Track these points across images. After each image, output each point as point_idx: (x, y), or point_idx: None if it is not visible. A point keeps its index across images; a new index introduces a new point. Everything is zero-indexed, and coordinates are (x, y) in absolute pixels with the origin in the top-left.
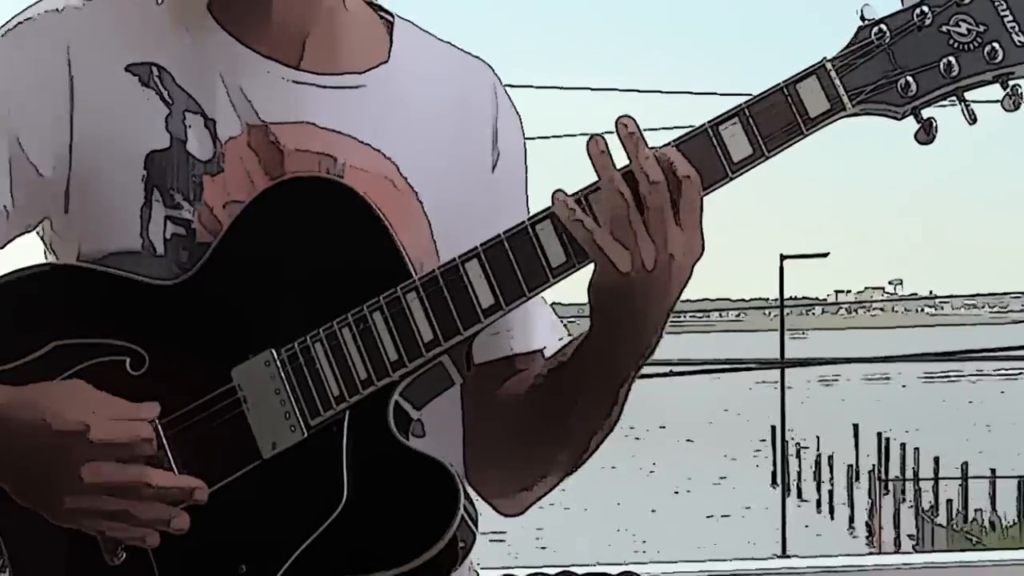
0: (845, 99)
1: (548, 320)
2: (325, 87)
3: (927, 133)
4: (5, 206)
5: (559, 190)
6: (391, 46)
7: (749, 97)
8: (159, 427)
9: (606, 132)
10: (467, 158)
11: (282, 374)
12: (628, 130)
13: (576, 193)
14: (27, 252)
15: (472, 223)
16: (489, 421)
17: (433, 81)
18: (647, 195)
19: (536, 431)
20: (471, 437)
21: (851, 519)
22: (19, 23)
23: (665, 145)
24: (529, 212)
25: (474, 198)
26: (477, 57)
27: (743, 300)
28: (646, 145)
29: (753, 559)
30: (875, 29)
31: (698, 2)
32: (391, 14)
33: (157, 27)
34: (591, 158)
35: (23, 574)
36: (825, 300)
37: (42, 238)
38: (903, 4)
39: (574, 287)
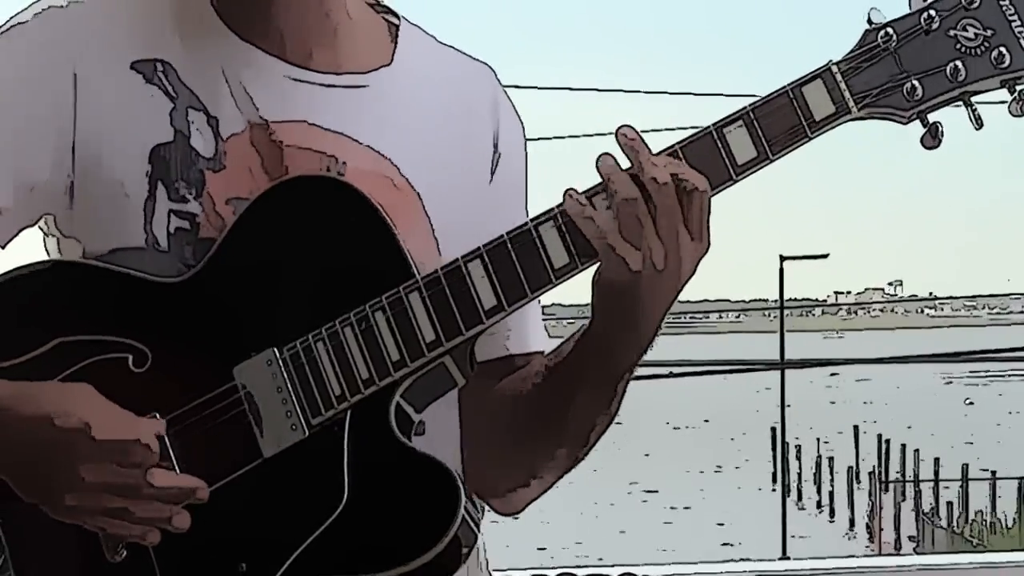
0: (850, 103)
1: (541, 324)
2: (327, 86)
3: (933, 137)
4: (3, 207)
5: (571, 188)
6: (395, 49)
7: (754, 99)
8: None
9: (610, 133)
10: (467, 161)
11: (284, 373)
12: (629, 138)
13: (585, 192)
14: (30, 249)
15: (471, 226)
16: (487, 419)
17: (435, 84)
18: (655, 197)
19: (536, 428)
20: (468, 436)
21: (851, 521)
22: (20, 22)
23: (670, 147)
24: (528, 216)
25: (473, 201)
26: (480, 61)
27: (743, 301)
28: (648, 150)
29: (753, 560)
30: (881, 33)
31: (705, 3)
32: (398, 16)
33: (161, 23)
34: (598, 167)
35: (25, 572)
36: (825, 301)
37: (45, 234)
38: (911, 7)
39: (574, 287)
